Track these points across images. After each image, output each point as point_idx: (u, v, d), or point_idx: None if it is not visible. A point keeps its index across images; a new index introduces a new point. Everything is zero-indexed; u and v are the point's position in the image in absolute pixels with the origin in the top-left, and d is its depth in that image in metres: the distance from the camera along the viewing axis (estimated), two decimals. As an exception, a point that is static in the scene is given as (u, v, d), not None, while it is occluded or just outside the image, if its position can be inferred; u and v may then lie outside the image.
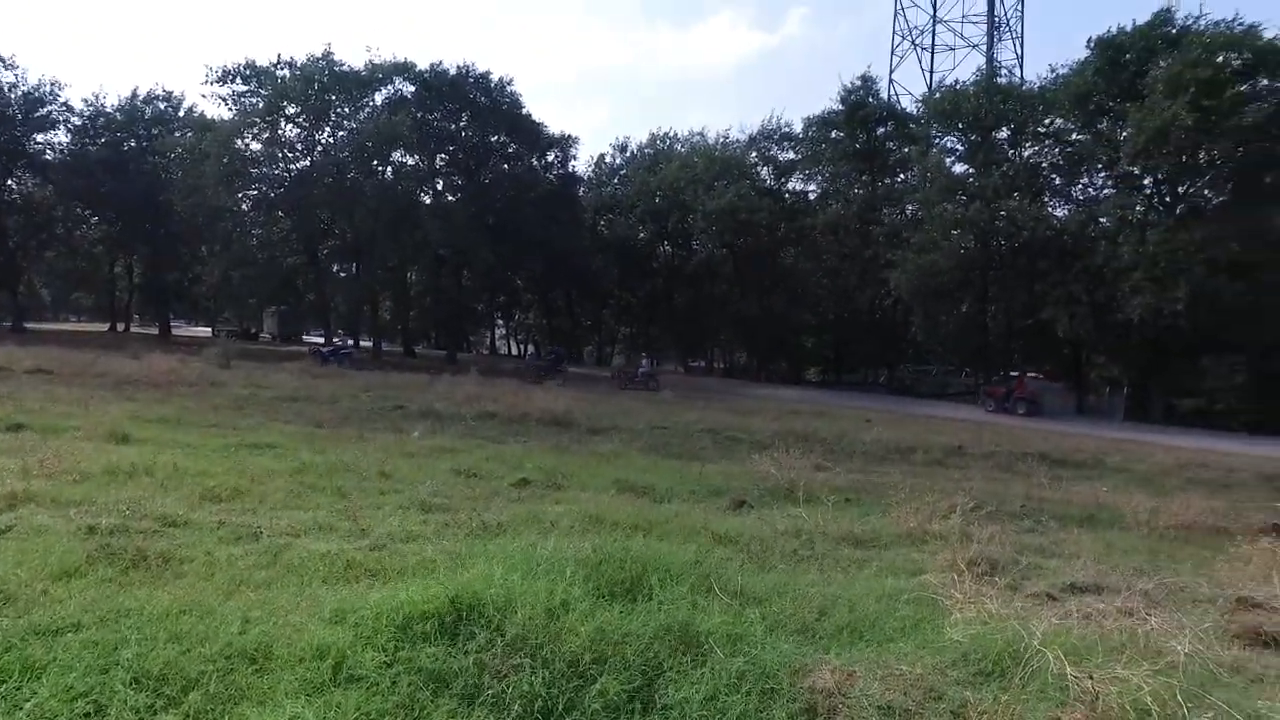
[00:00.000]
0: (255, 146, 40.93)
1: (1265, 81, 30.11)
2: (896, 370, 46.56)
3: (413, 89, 43.45)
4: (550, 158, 49.69)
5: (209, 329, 60.69)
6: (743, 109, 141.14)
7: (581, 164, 56.07)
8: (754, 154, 51.05)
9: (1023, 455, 16.88)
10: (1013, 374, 37.56)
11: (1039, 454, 17.43)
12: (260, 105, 40.09)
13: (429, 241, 39.63)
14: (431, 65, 43.32)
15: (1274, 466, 18.26)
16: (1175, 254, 28.57)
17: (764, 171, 50.87)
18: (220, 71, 40.66)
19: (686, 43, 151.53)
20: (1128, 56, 33.31)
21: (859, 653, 4.17)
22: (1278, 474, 16.93)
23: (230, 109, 41.47)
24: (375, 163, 41.71)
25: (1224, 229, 29.34)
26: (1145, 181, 34.03)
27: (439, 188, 47.28)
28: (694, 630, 3.84)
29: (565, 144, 49.58)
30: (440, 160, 46.16)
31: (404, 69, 43.11)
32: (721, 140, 52.80)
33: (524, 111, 46.02)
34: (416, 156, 44.66)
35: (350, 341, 38.93)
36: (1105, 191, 35.76)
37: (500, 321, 66.03)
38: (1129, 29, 33.98)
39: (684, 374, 54.07)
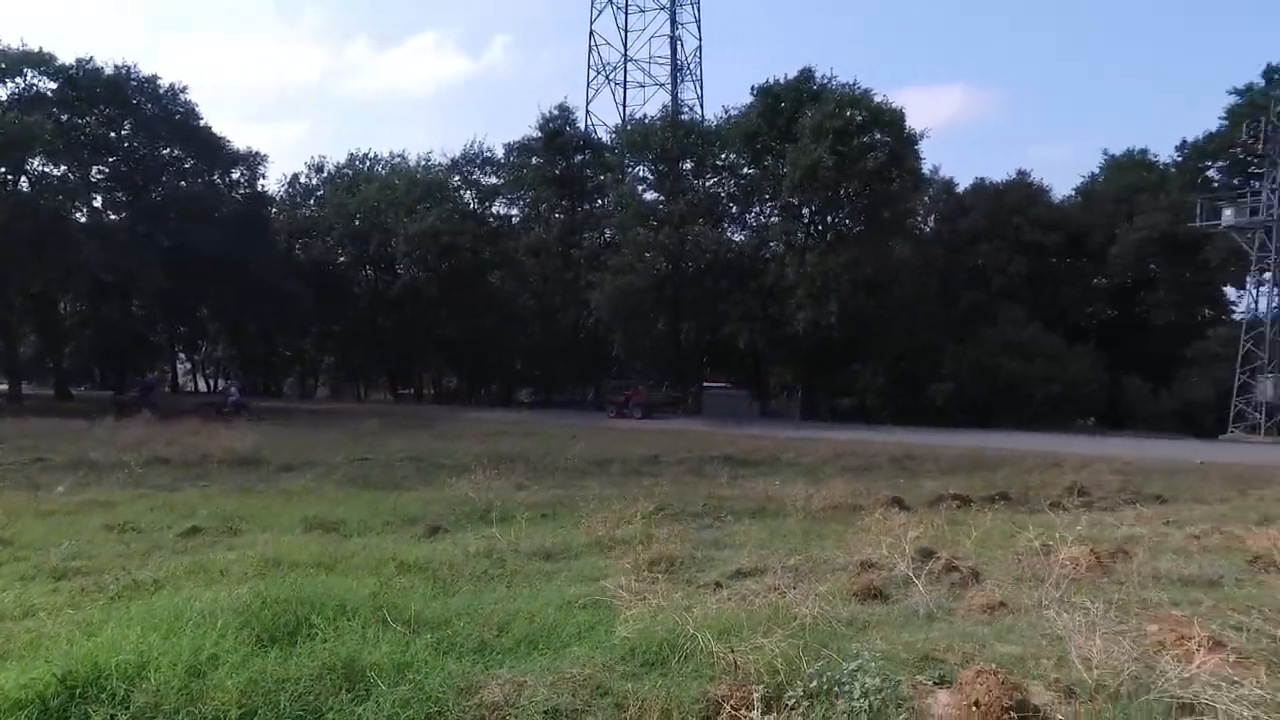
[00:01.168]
0: None
1: (879, 135, 36.12)
2: (602, 387, 48.93)
3: (54, 86, 37.38)
4: (236, 175, 45.52)
5: None
6: (446, 132, 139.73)
7: (274, 184, 52.13)
8: (457, 177, 50.99)
9: (711, 459, 18.58)
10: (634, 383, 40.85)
11: (725, 456, 19.29)
12: None
13: (85, 265, 34.09)
14: (79, 60, 37.70)
15: (902, 450, 21.94)
16: (827, 274, 33.42)
17: (467, 195, 51.02)
18: None
19: (388, 62, 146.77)
20: (783, 104, 38.30)
21: (534, 662, 4.35)
22: (903, 456, 20.42)
23: None
24: (3, 169, 35.10)
25: (861, 254, 34.81)
26: (803, 211, 39.24)
27: (96, 203, 41.16)
28: (359, 665, 3.77)
29: (253, 161, 45.75)
30: (98, 172, 40.25)
31: (40, 60, 36.99)
32: (423, 163, 52.24)
33: (202, 123, 41.81)
34: (64, 166, 38.44)
35: None
36: (773, 219, 40.63)
37: (183, 355, 58.74)
38: (782, 81, 39.18)
39: (394, 402, 52.18)
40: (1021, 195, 43.92)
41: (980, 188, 45.65)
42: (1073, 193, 46.33)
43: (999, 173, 45.53)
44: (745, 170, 41.41)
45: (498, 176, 50.55)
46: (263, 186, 48.22)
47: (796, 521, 10.41)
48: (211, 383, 59.45)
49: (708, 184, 42.78)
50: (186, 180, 42.24)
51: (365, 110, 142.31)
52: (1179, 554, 8.54)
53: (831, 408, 40.63)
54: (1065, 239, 42.08)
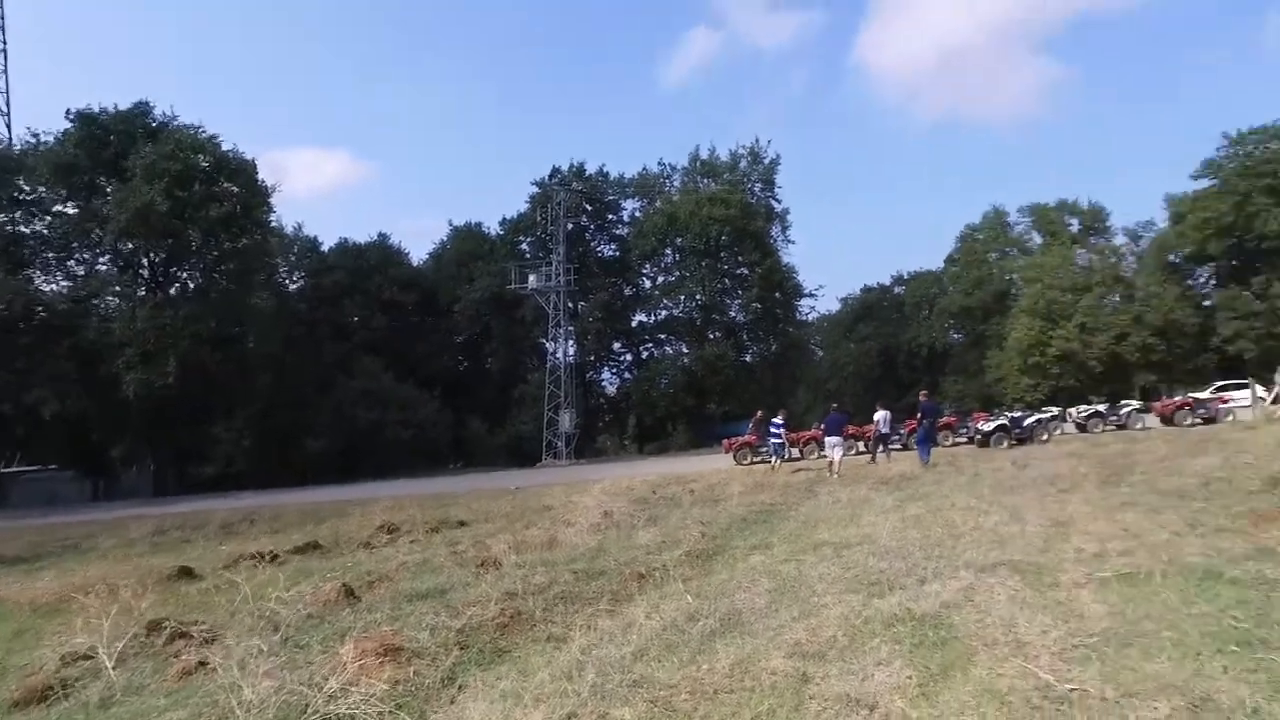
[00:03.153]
0: None
1: (228, 184, 34.35)
2: None
3: None
4: None
5: None
6: None
7: None
8: None
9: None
10: None
11: (-8, 558, 15.46)
12: None
13: None
14: None
15: (243, 514, 20.53)
16: (164, 330, 30.00)
17: None
18: None
19: None
20: (112, 137, 33.56)
21: None
22: (240, 520, 19.16)
23: None
24: None
25: (209, 307, 32.29)
26: (144, 261, 34.76)
27: None
28: None
29: None
30: None
31: None
32: None
33: None
34: None
35: None
36: (102, 268, 34.96)
37: None
38: (111, 110, 34.39)
39: None
40: (381, 256, 46.59)
41: (344, 247, 46.95)
42: (427, 257, 51.07)
43: (371, 236, 47.67)
44: (61, 207, 34.83)
45: None
46: None
47: (18, 621, 8.73)
48: None
49: (14, 221, 34.62)
50: None
51: None
52: (434, 570, 9.62)
53: (189, 477, 36.44)
54: (420, 297, 45.93)
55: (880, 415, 20.31)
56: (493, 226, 49.26)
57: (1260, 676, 3.64)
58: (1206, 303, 43.04)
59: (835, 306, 64.51)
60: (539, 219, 40.30)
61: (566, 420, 37.30)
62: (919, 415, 19.13)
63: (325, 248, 46.96)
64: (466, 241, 47.96)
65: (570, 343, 41.54)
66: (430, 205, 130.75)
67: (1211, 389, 29.05)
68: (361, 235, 56.84)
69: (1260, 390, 25.67)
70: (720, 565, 8.45)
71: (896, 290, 61.53)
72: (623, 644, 5.33)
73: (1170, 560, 5.98)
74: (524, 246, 45.53)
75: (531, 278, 38.32)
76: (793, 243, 54.52)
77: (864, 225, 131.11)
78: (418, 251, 59.18)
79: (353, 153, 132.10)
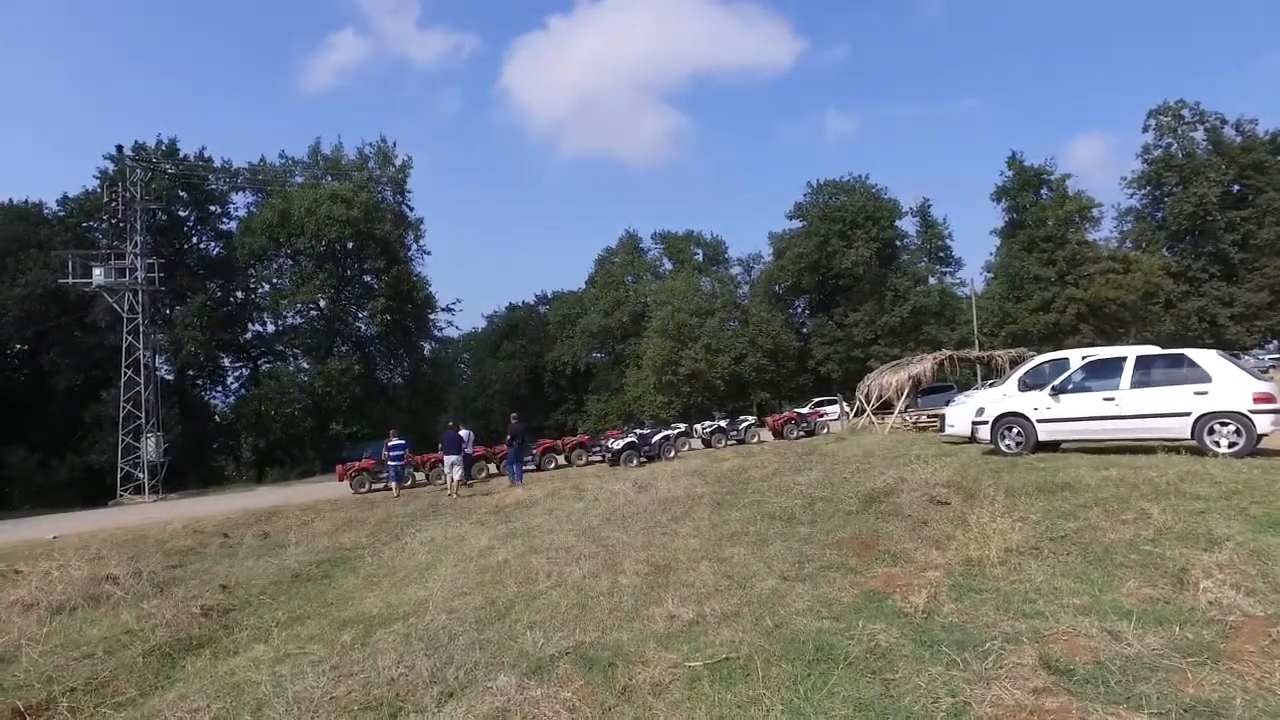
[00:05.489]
0: None
1: None
2: None
3: None
4: None
5: None
6: None
7: None
8: None
9: None
10: None
11: None
12: None
13: None
14: None
15: None
16: None
17: None
18: None
19: None
20: None
21: None
22: None
23: None
24: None
25: None
26: None
27: None
28: None
29: None
30: None
31: None
32: None
33: None
34: None
35: None
36: None
37: None
38: None
39: None
40: None
41: None
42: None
43: None
44: None
45: None
46: None
47: None
48: None
49: None
50: None
51: None
52: None
53: None
54: (-65, 291, 34.86)
55: (463, 434, 19.07)
56: (55, 208, 39.25)
57: None
58: (804, 329, 48.77)
59: (482, 324, 63.08)
60: (108, 200, 32.15)
61: (151, 447, 29.90)
62: (509, 438, 19.28)
63: None
64: (14, 224, 37.22)
65: (161, 354, 34.08)
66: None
67: (810, 404, 32.20)
68: None
69: (845, 405, 28.76)
70: (190, 670, 5.64)
71: (541, 309, 61.54)
72: None
73: (777, 627, 4.53)
74: (98, 235, 36.68)
75: (97, 271, 30.06)
76: (428, 253, 51.44)
77: (514, 243, 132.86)
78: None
79: None
